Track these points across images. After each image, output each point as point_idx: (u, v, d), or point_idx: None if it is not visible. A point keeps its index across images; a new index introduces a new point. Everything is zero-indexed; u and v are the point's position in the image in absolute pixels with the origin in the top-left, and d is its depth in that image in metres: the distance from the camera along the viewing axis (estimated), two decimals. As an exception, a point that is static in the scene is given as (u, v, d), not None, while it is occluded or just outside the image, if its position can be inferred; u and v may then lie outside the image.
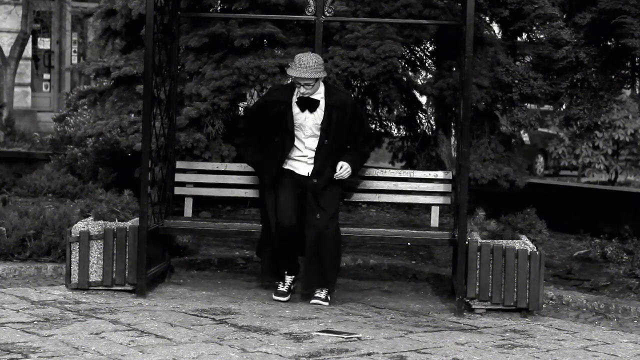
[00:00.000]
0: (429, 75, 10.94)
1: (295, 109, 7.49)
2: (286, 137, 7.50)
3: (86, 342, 5.97)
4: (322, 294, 7.50)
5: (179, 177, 8.23)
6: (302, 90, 7.40)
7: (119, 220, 7.83)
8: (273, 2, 9.59)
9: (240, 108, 11.71)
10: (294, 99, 7.48)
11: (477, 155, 9.89)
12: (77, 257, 7.53)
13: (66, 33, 21.65)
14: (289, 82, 7.63)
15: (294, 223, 7.42)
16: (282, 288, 7.60)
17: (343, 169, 7.47)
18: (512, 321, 7.23)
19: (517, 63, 10.11)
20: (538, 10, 9.73)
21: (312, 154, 7.52)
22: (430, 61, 11.30)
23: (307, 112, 7.47)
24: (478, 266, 7.39)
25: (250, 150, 7.69)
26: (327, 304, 7.47)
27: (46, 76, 21.69)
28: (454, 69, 9.83)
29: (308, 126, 7.49)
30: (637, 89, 11.92)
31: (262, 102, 7.71)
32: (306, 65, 7.33)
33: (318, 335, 6.47)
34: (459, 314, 7.33)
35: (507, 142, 10.46)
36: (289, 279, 7.63)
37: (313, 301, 7.47)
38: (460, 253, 7.39)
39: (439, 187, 8.12)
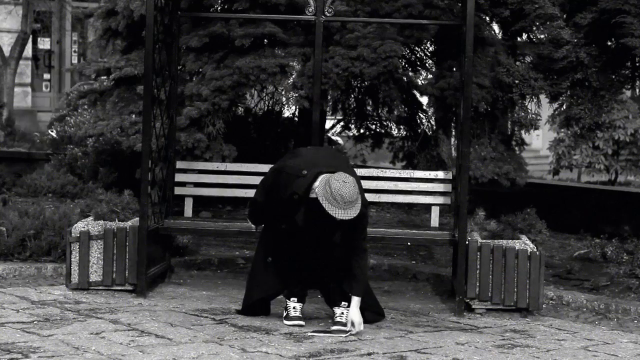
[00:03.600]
0: (430, 76, 10.93)
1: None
2: (293, 227, 6.59)
3: (86, 342, 5.97)
4: None
5: (179, 177, 8.23)
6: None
7: (119, 220, 7.83)
8: (273, 2, 9.59)
9: (240, 108, 11.71)
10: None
11: (477, 153, 9.88)
12: (77, 257, 7.53)
13: (66, 33, 21.62)
14: (309, 181, 6.42)
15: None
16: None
17: (356, 326, 6.53)
18: (512, 321, 7.23)
19: (518, 63, 10.11)
20: (538, 10, 9.72)
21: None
22: (430, 61, 11.30)
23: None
24: (478, 266, 7.39)
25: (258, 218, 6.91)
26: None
27: (46, 76, 21.65)
28: (455, 69, 9.82)
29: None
30: (637, 89, 11.90)
31: (275, 179, 6.62)
32: (350, 200, 6.20)
33: (316, 335, 6.46)
34: (459, 314, 7.33)
35: (507, 141, 10.46)
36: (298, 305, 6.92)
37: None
38: (460, 253, 7.39)
39: (439, 187, 8.12)
